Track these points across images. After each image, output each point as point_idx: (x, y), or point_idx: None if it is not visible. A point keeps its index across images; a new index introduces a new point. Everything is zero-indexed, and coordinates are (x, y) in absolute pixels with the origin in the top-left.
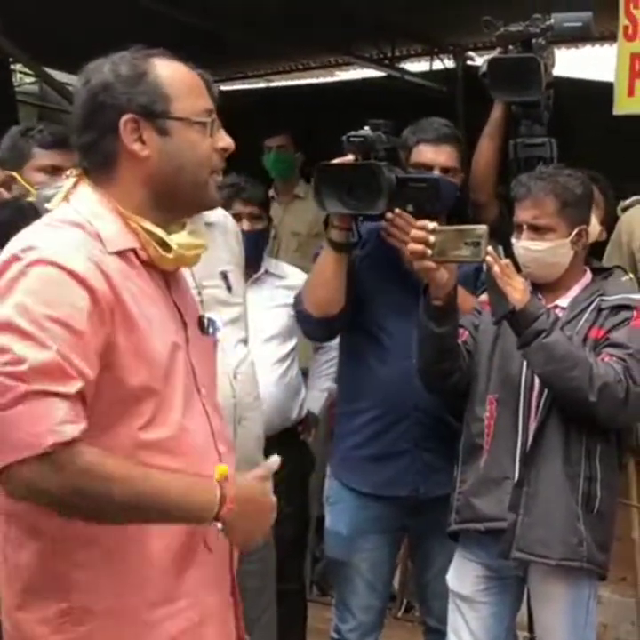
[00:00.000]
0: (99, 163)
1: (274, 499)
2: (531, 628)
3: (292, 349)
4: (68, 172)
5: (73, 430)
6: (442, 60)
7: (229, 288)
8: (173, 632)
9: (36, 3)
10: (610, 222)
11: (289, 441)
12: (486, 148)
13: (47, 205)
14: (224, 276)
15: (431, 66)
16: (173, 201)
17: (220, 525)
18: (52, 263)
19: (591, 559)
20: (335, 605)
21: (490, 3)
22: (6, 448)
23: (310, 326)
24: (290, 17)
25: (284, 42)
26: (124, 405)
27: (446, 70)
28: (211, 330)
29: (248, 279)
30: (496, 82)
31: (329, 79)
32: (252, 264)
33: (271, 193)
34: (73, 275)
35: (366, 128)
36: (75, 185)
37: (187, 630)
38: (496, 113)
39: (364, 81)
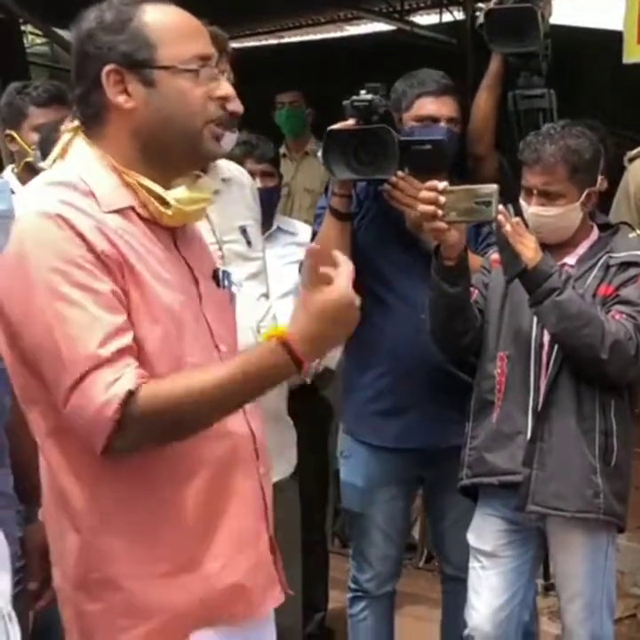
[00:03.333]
0: (89, 116)
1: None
2: (546, 576)
3: None
4: (63, 127)
5: (121, 388)
6: (451, 12)
7: (249, 243)
8: (214, 589)
9: None
10: (611, 172)
11: (308, 396)
12: (485, 100)
13: (41, 164)
14: (243, 230)
15: (440, 18)
16: (165, 155)
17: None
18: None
19: (608, 511)
20: (352, 556)
21: None
22: (94, 431)
23: None
24: None
25: None
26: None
27: (456, 22)
28: (226, 283)
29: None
30: (493, 33)
31: (339, 34)
32: (265, 221)
33: (282, 150)
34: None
35: (363, 91)
36: (70, 140)
37: (225, 590)
38: (494, 64)
39: (374, 35)
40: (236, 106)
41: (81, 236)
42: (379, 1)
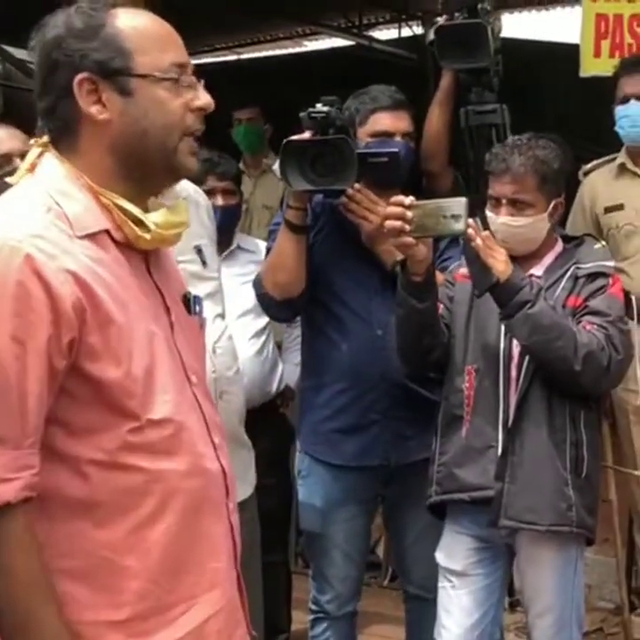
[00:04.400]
0: (59, 129)
1: None
2: (511, 592)
3: (268, 323)
4: (32, 141)
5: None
6: (410, 27)
7: (204, 263)
8: (180, 634)
9: None
10: (567, 186)
11: (269, 414)
12: (437, 116)
13: (8, 180)
14: (198, 250)
15: (400, 33)
16: (142, 169)
17: None
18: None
19: (580, 523)
20: (312, 577)
21: None
22: None
23: (274, 309)
24: None
25: (250, 13)
26: (107, 407)
27: (415, 37)
28: (197, 308)
29: (221, 254)
30: (444, 49)
31: (297, 49)
32: (225, 239)
33: (240, 166)
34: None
35: (319, 105)
36: (40, 155)
37: (190, 635)
38: (445, 81)
39: (333, 50)
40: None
41: (46, 287)
42: (337, 16)
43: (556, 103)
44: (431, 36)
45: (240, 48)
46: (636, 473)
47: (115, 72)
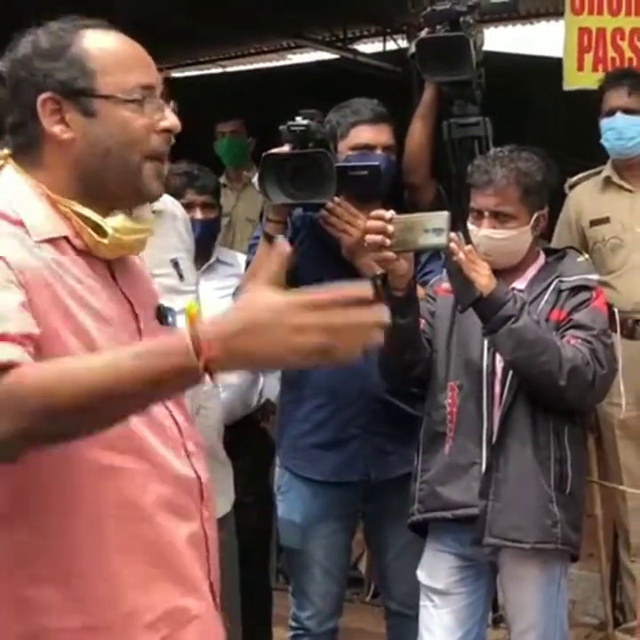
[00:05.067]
0: (23, 146)
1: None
2: (495, 608)
3: None
4: None
5: None
6: (395, 40)
7: (181, 276)
8: None
9: None
10: (553, 199)
11: (250, 429)
12: (419, 129)
13: None
14: (175, 263)
15: (384, 46)
16: (105, 190)
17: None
18: None
19: (565, 540)
20: (292, 593)
21: None
22: None
23: None
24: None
25: (234, 26)
26: None
27: (399, 50)
28: (170, 319)
29: (200, 268)
30: (425, 62)
31: (282, 63)
32: (204, 253)
33: (223, 180)
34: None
35: (299, 118)
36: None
37: None
38: (427, 94)
39: (318, 63)
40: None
41: (5, 263)
42: (322, 29)
43: (541, 116)
44: (413, 48)
45: (225, 61)
46: (621, 488)
47: (78, 92)
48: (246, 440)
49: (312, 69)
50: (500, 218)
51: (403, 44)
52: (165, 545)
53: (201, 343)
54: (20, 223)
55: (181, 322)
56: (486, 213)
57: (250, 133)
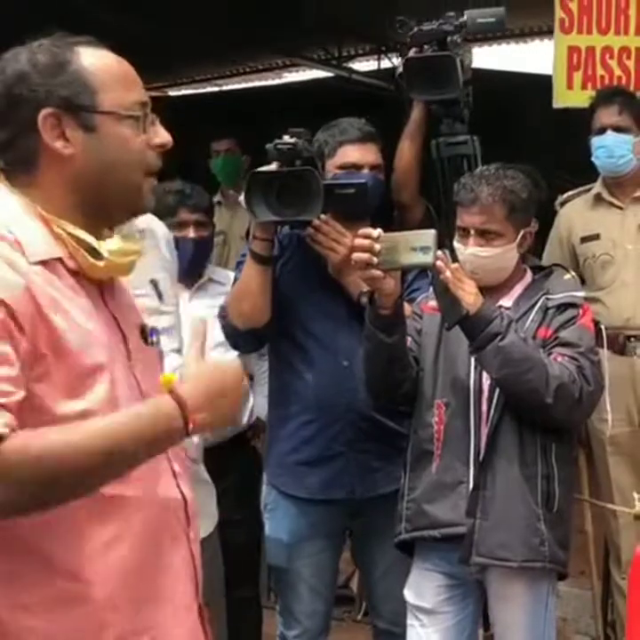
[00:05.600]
0: (17, 162)
1: (232, 368)
2: (486, 626)
3: (238, 356)
4: None
5: None
6: (389, 58)
7: (160, 296)
8: None
9: None
10: (542, 214)
11: (239, 447)
12: (408, 148)
13: None
14: (154, 284)
15: (379, 65)
16: (103, 205)
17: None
18: None
19: (553, 558)
20: (280, 612)
21: None
22: None
23: (237, 339)
24: (233, 19)
25: (229, 44)
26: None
27: (394, 68)
28: (154, 339)
29: (191, 286)
30: (413, 81)
31: (277, 81)
32: (196, 271)
33: (218, 198)
34: None
35: (286, 136)
36: None
37: None
38: (415, 113)
39: (313, 82)
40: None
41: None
42: (317, 48)
43: (532, 134)
44: (400, 68)
45: (220, 80)
46: (611, 506)
47: (79, 108)
48: (236, 458)
49: (307, 87)
50: (485, 236)
51: (397, 62)
52: (156, 566)
53: (188, 406)
54: (17, 243)
55: (164, 342)
56: (472, 231)
57: (244, 151)
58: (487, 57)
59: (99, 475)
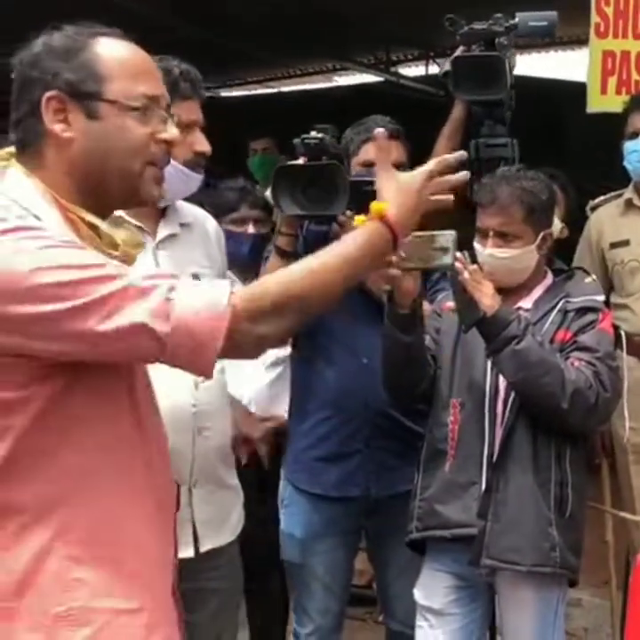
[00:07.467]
0: (24, 142)
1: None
2: (493, 634)
3: (288, 355)
4: None
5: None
6: (438, 64)
7: None
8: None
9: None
10: (571, 219)
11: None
12: (443, 147)
13: None
14: (195, 278)
15: (427, 70)
16: (100, 191)
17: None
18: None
19: (564, 564)
20: (293, 609)
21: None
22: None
23: None
24: (287, 23)
25: (282, 49)
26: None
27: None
28: None
29: (251, 281)
30: (459, 80)
31: (327, 84)
32: (255, 266)
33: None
34: None
35: (313, 132)
36: (4, 168)
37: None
38: (456, 112)
39: (363, 86)
40: (204, 146)
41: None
42: (366, 52)
43: (581, 140)
44: (446, 67)
45: (272, 82)
46: (632, 517)
47: (84, 95)
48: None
49: (356, 91)
50: (504, 237)
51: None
52: (157, 540)
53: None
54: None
55: None
56: (491, 233)
57: (282, 152)
58: (533, 64)
59: (335, 286)
